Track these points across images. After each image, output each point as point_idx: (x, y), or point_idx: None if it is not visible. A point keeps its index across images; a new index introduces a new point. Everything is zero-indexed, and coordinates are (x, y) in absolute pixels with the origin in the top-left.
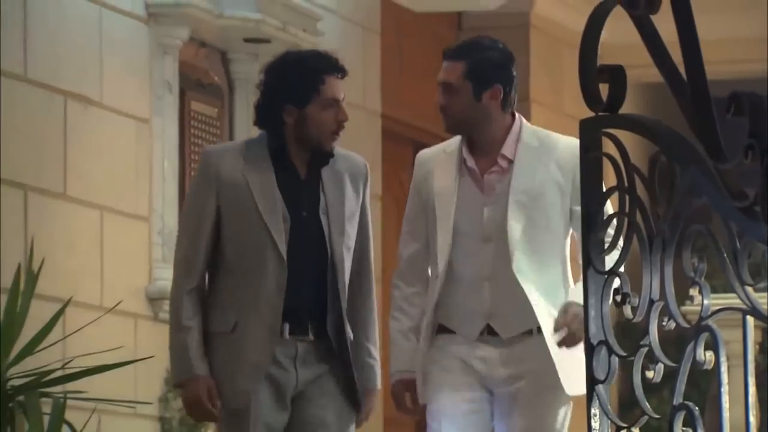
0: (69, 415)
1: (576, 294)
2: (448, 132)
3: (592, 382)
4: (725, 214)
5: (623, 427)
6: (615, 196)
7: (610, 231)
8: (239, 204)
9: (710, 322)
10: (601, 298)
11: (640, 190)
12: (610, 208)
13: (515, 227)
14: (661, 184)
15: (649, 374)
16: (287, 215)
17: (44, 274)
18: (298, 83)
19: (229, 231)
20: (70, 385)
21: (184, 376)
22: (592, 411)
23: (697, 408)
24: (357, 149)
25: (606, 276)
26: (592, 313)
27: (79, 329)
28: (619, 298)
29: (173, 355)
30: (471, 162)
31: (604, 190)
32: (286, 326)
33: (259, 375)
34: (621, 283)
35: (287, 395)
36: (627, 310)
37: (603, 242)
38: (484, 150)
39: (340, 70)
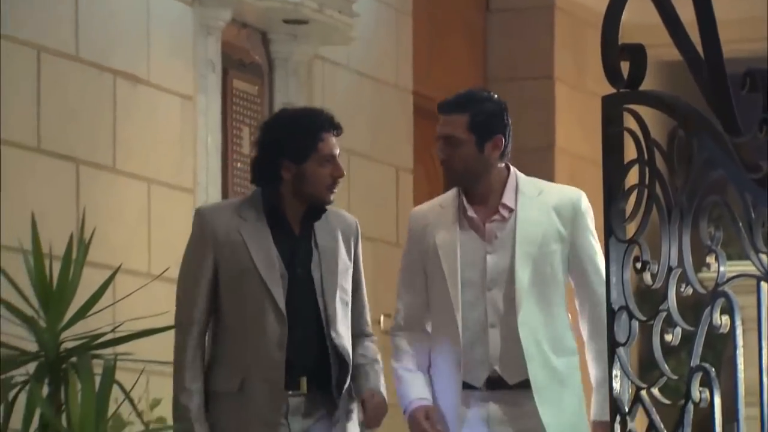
0: (119, 376)
1: (599, 409)
2: (450, 184)
3: (613, 345)
4: (740, 186)
5: (643, 388)
6: (635, 168)
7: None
8: (236, 262)
9: (726, 288)
10: (622, 265)
11: (660, 163)
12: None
13: (523, 277)
14: (680, 158)
15: (668, 337)
16: (284, 272)
17: (95, 244)
18: (296, 140)
19: (227, 289)
20: (120, 348)
21: None
22: (614, 372)
23: (713, 369)
24: (389, 125)
25: (627, 244)
26: (613, 279)
27: (128, 295)
28: (639, 265)
29: (176, 418)
30: (471, 211)
31: (625, 163)
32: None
33: None
34: (641, 252)
35: None
36: (647, 277)
37: (624, 212)
38: (483, 200)
39: (336, 128)
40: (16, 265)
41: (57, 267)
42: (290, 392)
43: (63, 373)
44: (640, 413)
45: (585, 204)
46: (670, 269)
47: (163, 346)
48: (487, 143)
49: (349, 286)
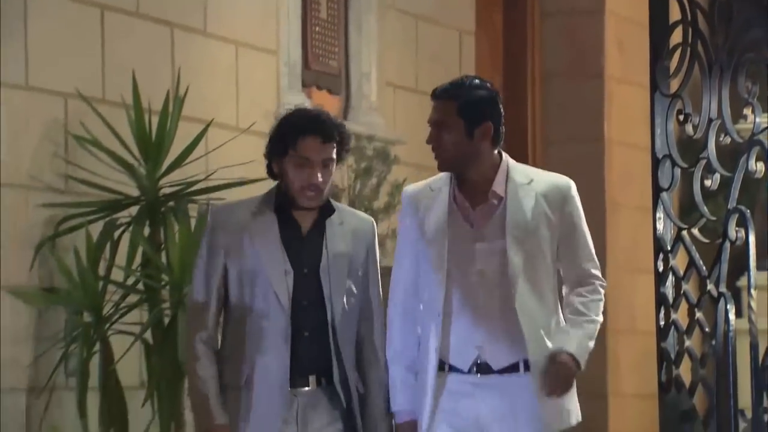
0: None
1: (566, 340)
2: (440, 170)
3: (657, 190)
4: None
5: (684, 228)
6: (679, 29)
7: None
8: (243, 259)
9: (761, 137)
10: (666, 117)
11: (702, 23)
12: None
13: (516, 262)
14: (720, 19)
15: (707, 183)
16: (290, 270)
17: (189, 99)
18: (278, 136)
19: (235, 286)
20: (212, 194)
21: (206, 426)
22: (657, 215)
23: (748, 211)
24: None
25: (671, 98)
26: (657, 131)
27: (219, 146)
28: (681, 117)
29: (194, 404)
30: (461, 198)
31: (670, 24)
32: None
33: None
34: (684, 105)
35: None
36: (688, 128)
37: (668, 69)
38: (474, 187)
39: (321, 133)
40: (119, 119)
41: (155, 120)
42: (298, 389)
43: (162, 215)
44: (681, 251)
45: (574, 191)
46: (710, 120)
47: (252, 193)
48: (476, 129)
49: (357, 288)
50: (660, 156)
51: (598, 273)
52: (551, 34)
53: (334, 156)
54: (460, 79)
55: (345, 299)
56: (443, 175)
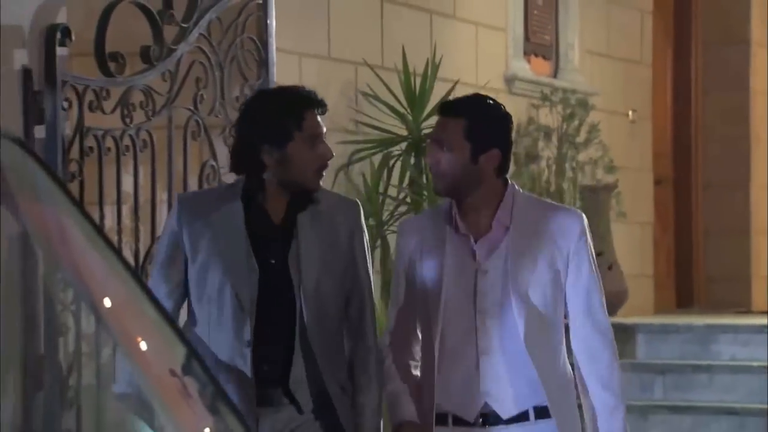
0: None
1: (606, 426)
2: (438, 194)
3: None
4: None
5: None
6: None
7: None
8: (203, 253)
9: None
10: None
11: None
12: None
13: (519, 300)
14: None
15: None
16: (255, 266)
17: (442, 66)
18: (277, 121)
19: (196, 281)
20: None
21: None
22: None
23: None
24: None
25: None
26: None
27: None
28: None
29: None
30: (463, 227)
31: None
32: (253, 394)
33: None
34: None
35: None
36: None
37: None
38: (477, 214)
39: (320, 105)
40: (393, 80)
41: (418, 81)
42: (264, 408)
43: (422, 149)
44: None
45: (586, 225)
46: None
47: None
48: (482, 155)
49: (335, 280)
50: None
51: (607, 326)
52: (709, 9)
53: None
54: (473, 95)
55: (318, 291)
56: (445, 206)
